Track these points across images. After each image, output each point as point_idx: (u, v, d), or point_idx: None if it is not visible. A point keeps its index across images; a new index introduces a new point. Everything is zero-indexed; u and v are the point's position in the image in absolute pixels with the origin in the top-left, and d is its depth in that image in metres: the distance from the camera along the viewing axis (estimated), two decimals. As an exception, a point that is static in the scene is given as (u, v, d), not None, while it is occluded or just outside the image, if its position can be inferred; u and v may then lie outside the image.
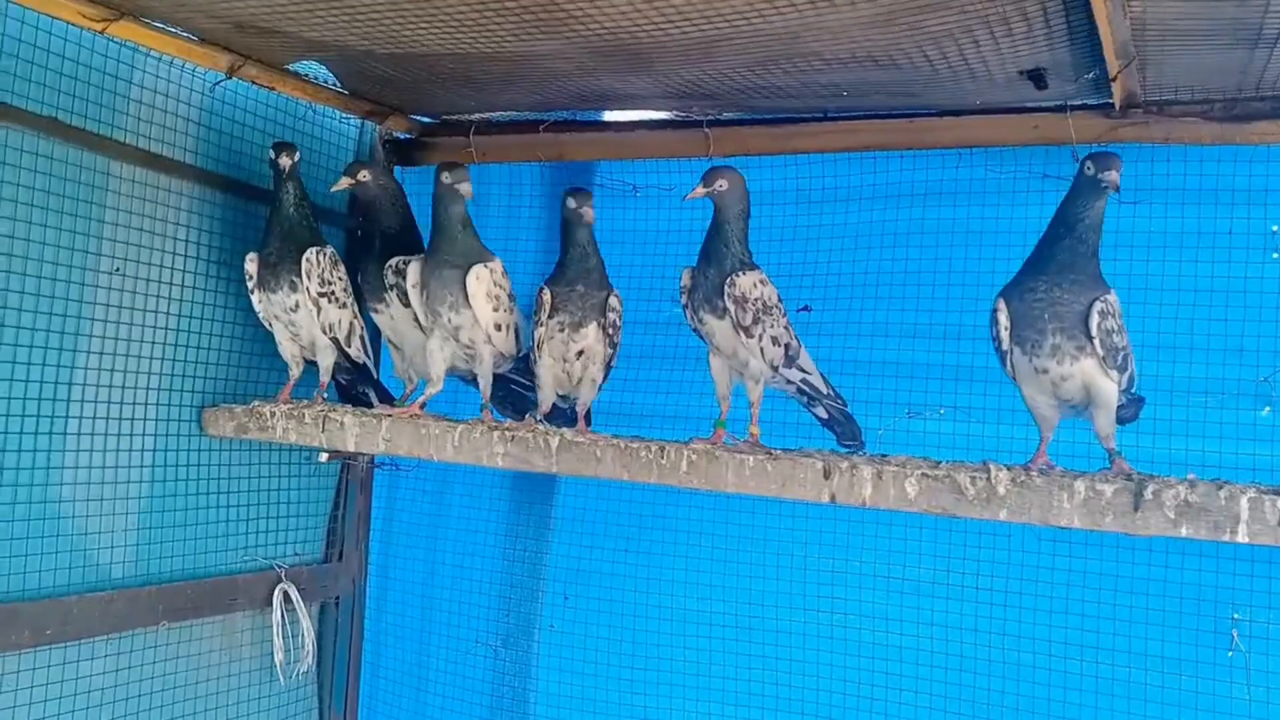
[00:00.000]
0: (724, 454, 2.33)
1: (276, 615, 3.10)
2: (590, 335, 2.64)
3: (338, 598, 3.42)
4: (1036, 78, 2.49)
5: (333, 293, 2.79)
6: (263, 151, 2.99)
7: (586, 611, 3.30)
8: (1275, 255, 2.68)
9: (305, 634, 3.17)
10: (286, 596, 3.12)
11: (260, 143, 3.06)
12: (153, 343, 2.80)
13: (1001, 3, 2.12)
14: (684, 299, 2.57)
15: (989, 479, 2.10)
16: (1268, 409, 2.65)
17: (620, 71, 2.67)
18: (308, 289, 2.75)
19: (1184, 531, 1.95)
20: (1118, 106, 2.59)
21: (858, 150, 3.03)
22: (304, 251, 2.77)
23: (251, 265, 2.81)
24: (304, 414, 2.73)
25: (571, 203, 2.65)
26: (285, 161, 2.77)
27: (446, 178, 2.69)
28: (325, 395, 2.91)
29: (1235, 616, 2.68)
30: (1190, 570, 2.69)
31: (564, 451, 2.45)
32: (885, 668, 2.97)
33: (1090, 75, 2.41)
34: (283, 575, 3.11)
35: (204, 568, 2.93)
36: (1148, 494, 1.97)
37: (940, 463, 2.24)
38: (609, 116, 3.44)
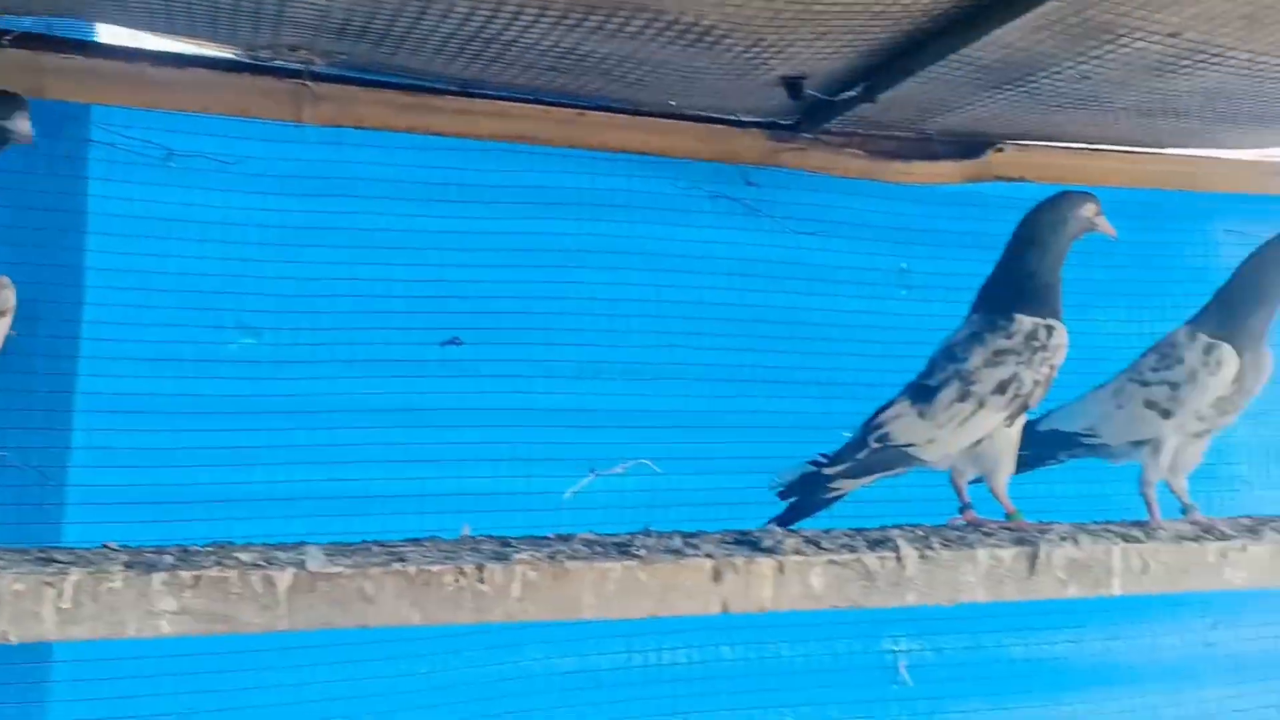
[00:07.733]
0: (572, 564, 1.60)
1: None
2: None
3: None
4: (794, 86, 2.19)
5: None
6: None
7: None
8: (904, 291, 2.76)
9: None
10: None
11: None
12: None
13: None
14: None
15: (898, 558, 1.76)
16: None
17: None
18: None
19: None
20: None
21: (508, 140, 2.39)
22: None
23: None
24: None
25: None
26: None
27: None
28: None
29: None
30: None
31: (300, 594, 1.46)
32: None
33: (854, 92, 2.19)
34: None
35: None
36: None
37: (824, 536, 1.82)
38: (105, 37, 2.23)
